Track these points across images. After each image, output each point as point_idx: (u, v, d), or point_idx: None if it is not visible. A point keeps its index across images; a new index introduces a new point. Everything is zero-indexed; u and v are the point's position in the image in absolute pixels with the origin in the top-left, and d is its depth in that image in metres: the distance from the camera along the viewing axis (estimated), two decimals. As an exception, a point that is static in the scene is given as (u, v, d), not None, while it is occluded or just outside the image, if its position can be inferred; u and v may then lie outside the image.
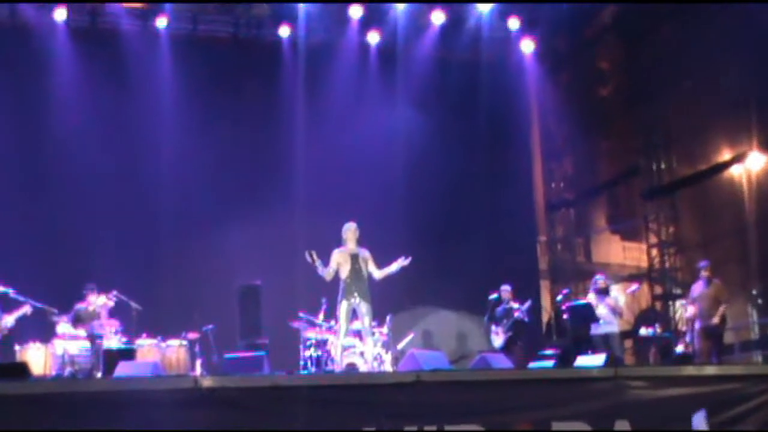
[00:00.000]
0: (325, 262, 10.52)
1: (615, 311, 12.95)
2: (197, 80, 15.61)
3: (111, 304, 12.51)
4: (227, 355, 11.55)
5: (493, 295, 13.82)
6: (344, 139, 15.99)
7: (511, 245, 16.60)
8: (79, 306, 12.46)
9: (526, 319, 13.73)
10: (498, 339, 13.76)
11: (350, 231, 10.75)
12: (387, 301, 12.60)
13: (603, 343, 12.75)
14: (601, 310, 12.90)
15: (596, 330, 12.90)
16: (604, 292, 13.05)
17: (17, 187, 14.69)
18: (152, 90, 15.51)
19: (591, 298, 13.18)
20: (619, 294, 13.06)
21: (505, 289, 13.87)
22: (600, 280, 13.21)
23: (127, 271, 13.79)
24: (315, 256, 10.30)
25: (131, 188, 15.20)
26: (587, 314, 13.05)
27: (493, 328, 13.84)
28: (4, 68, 14.73)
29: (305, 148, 16.09)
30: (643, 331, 15.05)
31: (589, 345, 12.68)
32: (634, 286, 15.33)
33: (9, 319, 11.96)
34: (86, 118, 14.96)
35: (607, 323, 12.89)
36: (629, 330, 16.90)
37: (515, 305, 13.76)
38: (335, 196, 15.46)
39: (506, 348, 13.40)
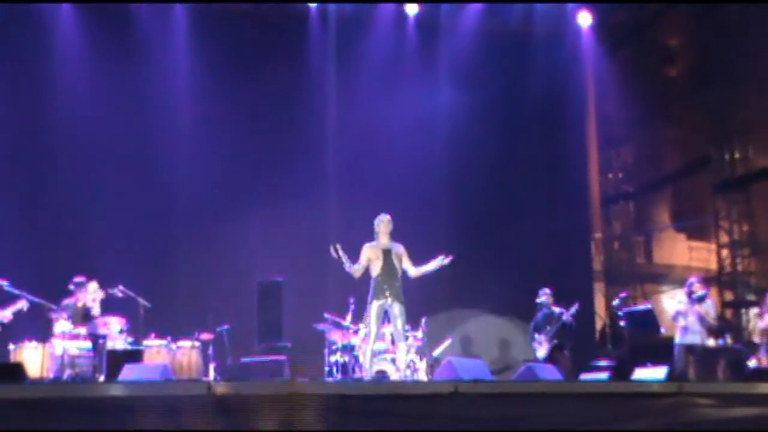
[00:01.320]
0: (354, 258, 10.51)
1: (703, 321, 12.84)
2: (216, 57, 15.67)
3: (101, 295, 12.54)
4: (244, 359, 11.60)
5: (542, 299, 13.75)
6: (379, 121, 16.00)
7: (562, 242, 16.53)
8: (67, 302, 12.51)
9: (573, 325, 13.66)
10: (541, 348, 13.71)
11: (383, 223, 10.74)
12: (422, 302, 12.59)
13: (685, 354, 12.64)
14: (690, 318, 12.81)
15: (681, 339, 12.83)
16: (698, 299, 12.95)
17: (18, 171, 14.83)
18: (167, 68, 15.57)
19: (681, 300, 13.09)
20: (712, 303, 12.97)
21: (545, 292, 13.87)
22: (695, 283, 13.15)
23: (135, 264, 13.87)
24: (341, 251, 10.30)
25: (141, 173, 15.27)
26: (648, 321, 12.96)
27: (536, 336, 13.81)
28: (5, 47, 14.90)
29: (335, 131, 16.10)
30: (712, 342, 14.91)
31: (650, 355, 12.58)
32: (701, 292, 15.17)
33: (6, 313, 12.05)
34: (94, 98, 15.04)
35: (694, 333, 12.79)
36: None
37: (556, 310, 13.72)
38: (367, 184, 15.51)
39: (550, 359, 13.35)
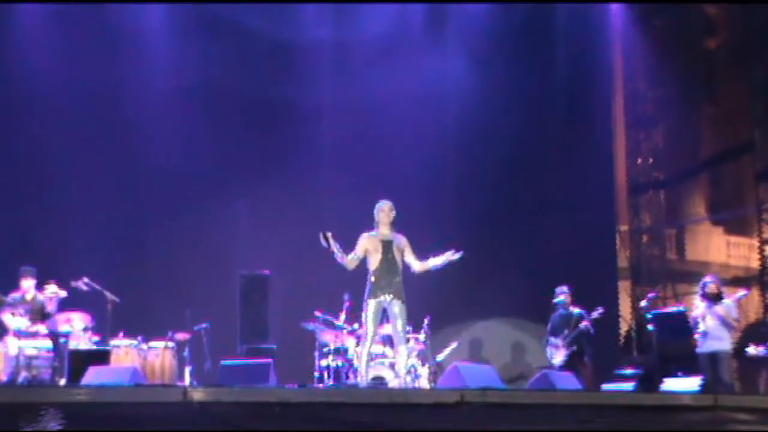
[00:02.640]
0: (349, 250, 10.48)
1: (726, 324, 12.73)
2: (191, 21, 15.70)
3: (63, 294, 12.55)
4: (224, 362, 11.59)
5: (559, 298, 13.79)
6: (379, 97, 15.95)
7: (583, 236, 16.45)
8: (14, 295, 12.49)
9: (592, 332, 13.65)
10: (558, 354, 13.65)
11: (383, 212, 10.68)
12: (425, 301, 12.56)
13: (710, 364, 12.58)
14: (709, 322, 12.72)
15: (702, 347, 12.75)
16: (714, 299, 12.84)
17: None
18: (137, 38, 15.59)
19: (698, 305, 13.00)
20: (733, 302, 12.83)
21: (562, 291, 13.80)
22: (710, 282, 13.02)
23: (102, 254, 13.88)
24: (331, 239, 10.24)
25: (110, 154, 15.23)
26: (679, 325, 12.91)
27: (552, 339, 13.77)
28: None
29: (329, 107, 16.07)
30: (752, 349, 14.91)
31: (681, 363, 12.57)
32: (740, 293, 15.04)
33: None
34: (57, 71, 15.09)
35: (716, 339, 12.71)
36: (734, 348, 16.74)
37: (575, 311, 13.69)
38: (365, 168, 15.49)
39: (568, 366, 13.29)
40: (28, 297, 12.51)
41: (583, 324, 13.46)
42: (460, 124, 16.44)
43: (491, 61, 16.55)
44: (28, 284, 12.56)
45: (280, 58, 16.05)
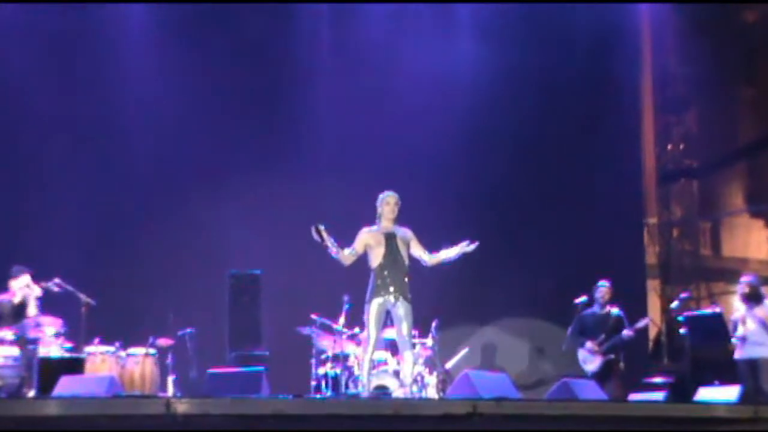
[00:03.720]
0: (346, 245, 10.53)
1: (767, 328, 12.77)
2: (175, 13, 15.72)
3: (38, 292, 12.53)
4: (212, 371, 11.60)
5: (582, 299, 13.68)
6: (382, 81, 16.02)
7: (607, 229, 16.44)
8: (1, 299, 12.52)
9: (632, 340, 13.57)
10: (592, 361, 13.54)
11: (388, 204, 10.71)
12: (434, 301, 12.67)
13: (749, 371, 12.58)
14: (749, 325, 12.73)
15: (741, 353, 12.75)
16: (754, 299, 12.84)
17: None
18: (118, 18, 15.62)
19: (737, 306, 13.00)
20: None
21: (603, 286, 13.70)
22: (749, 282, 13.04)
23: (76, 252, 13.91)
24: (324, 232, 10.29)
25: (86, 140, 15.25)
26: (715, 329, 12.91)
27: (586, 343, 13.61)
28: None
29: (328, 93, 16.03)
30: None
31: (717, 371, 12.56)
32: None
33: None
34: (34, 68, 15.08)
35: (756, 344, 12.71)
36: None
37: (614, 311, 13.63)
38: (367, 158, 15.51)
39: (603, 375, 13.29)
40: (16, 301, 12.49)
41: (626, 333, 13.36)
42: (472, 108, 16.35)
43: (505, 39, 16.54)
44: (14, 283, 12.55)
45: (272, 44, 16.09)
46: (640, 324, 13.54)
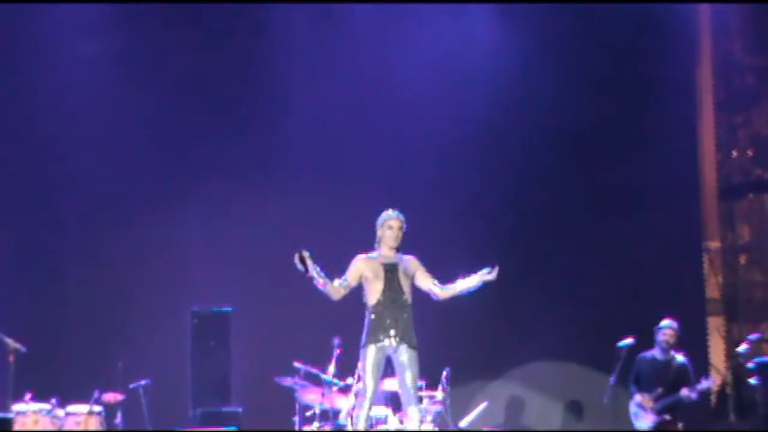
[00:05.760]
0: (334, 278, 10.44)
1: None
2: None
3: None
4: (173, 432, 11.62)
5: (626, 341, 13.49)
6: (382, 72, 16.10)
7: (657, 256, 16.51)
8: None
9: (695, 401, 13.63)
10: (643, 417, 13.62)
11: (391, 228, 10.63)
12: (444, 345, 12.75)
13: None
14: None
15: None
16: None
17: None
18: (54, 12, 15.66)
19: None
20: None
21: (668, 326, 13.77)
22: None
23: (3, 289, 13.89)
24: (308, 259, 10.20)
25: (16, 156, 15.32)
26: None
27: (637, 397, 13.66)
28: None
29: (313, 87, 16.07)
30: None
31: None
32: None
33: None
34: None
35: None
36: None
37: (679, 358, 13.72)
38: (363, 167, 15.65)
39: (657, 435, 13.39)
40: None
41: (685, 393, 13.40)
42: (491, 106, 16.45)
43: (532, 19, 16.57)
44: None
45: (243, 20, 16.14)
46: (703, 385, 13.58)
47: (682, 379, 13.46)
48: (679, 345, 13.89)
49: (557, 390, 16.36)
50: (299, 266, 10.17)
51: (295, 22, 16.23)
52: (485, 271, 10.50)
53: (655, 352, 13.70)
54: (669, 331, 13.69)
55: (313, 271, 10.21)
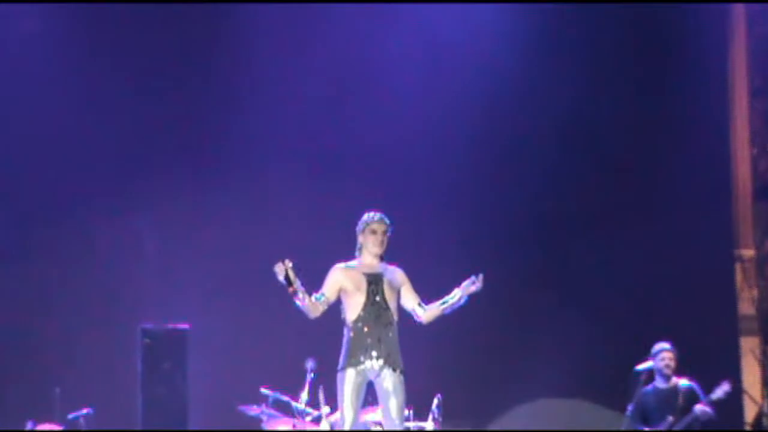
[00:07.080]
0: (311, 289, 10.31)
1: None
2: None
3: None
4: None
5: (645, 365, 13.71)
6: (367, 58, 16.28)
7: (684, 266, 16.57)
8: None
9: (713, 418, 13.51)
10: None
11: (374, 233, 10.53)
12: (434, 369, 12.70)
13: None
14: None
15: None
16: None
17: None
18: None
19: None
20: None
21: (664, 350, 13.68)
22: None
23: None
24: (291, 272, 10.04)
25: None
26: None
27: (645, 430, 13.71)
28: None
29: (288, 74, 16.27)
30: None
31: None
32: None
33: None
34: None
35: None
36: None
37: (682, 383, 13.65)
38: (344, 163, 15.81)
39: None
40: None
41: (699, 408, 13.34)
42: (492, 96, 16.56)
43: (546, 7, 16.72)
44: None
45: (213, 15, 16.32)
46: (718, 392, 13.46)
47: (692, 403, 13.43)
48: (699, 368, 13.88)
49: (562, 424, 16.32)
50: (281, 280, 10.03)
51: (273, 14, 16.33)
52: (468, 282, 10.42)
53: (656, 382, 13.68)
54: (667, 354, 13.60)
55: (295, 284, 10.07)
